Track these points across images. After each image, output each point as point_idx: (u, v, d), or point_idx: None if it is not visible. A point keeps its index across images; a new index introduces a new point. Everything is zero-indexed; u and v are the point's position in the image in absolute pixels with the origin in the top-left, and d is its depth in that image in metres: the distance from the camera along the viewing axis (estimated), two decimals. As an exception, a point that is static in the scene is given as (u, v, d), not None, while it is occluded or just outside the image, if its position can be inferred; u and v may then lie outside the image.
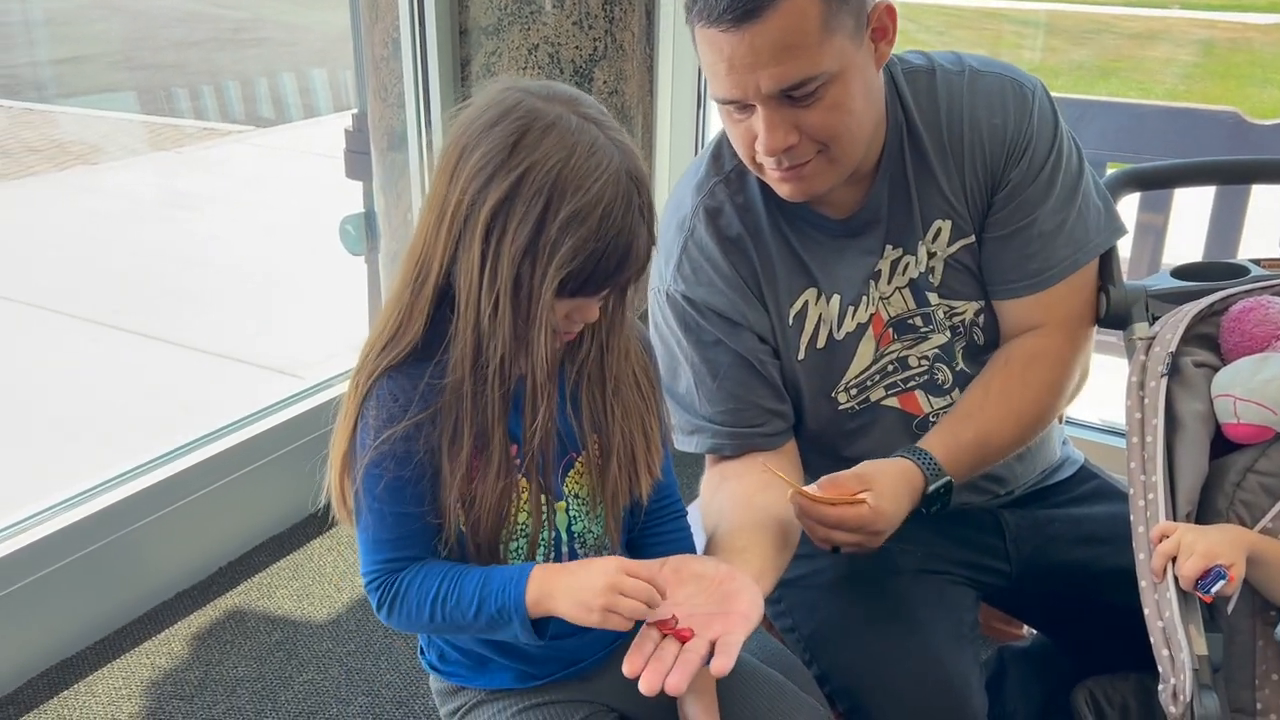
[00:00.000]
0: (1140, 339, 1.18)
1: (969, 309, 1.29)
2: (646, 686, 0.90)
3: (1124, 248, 1.33)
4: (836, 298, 1.26)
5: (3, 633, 1.89)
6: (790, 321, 1.26)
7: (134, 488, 2.12)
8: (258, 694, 1.92)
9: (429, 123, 2.57)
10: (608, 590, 0.92)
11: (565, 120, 0.93)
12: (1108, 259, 1.27)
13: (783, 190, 1.19)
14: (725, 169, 1.27)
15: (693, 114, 2.64)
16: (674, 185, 1.34)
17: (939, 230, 1.25)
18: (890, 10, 1.13)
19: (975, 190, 1.24)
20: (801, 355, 1.27)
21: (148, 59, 9.55)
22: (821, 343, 1.27)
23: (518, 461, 1.02)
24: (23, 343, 3.80)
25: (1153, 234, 2.86)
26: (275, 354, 3.74)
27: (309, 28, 11.12)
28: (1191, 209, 2.97)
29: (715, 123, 2.85)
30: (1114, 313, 1.25)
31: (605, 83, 2.52)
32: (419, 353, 1.00)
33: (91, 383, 3.52)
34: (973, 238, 1.25)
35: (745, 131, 1.14)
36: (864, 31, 1.11)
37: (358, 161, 2.91)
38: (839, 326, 1.27)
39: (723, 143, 1.27)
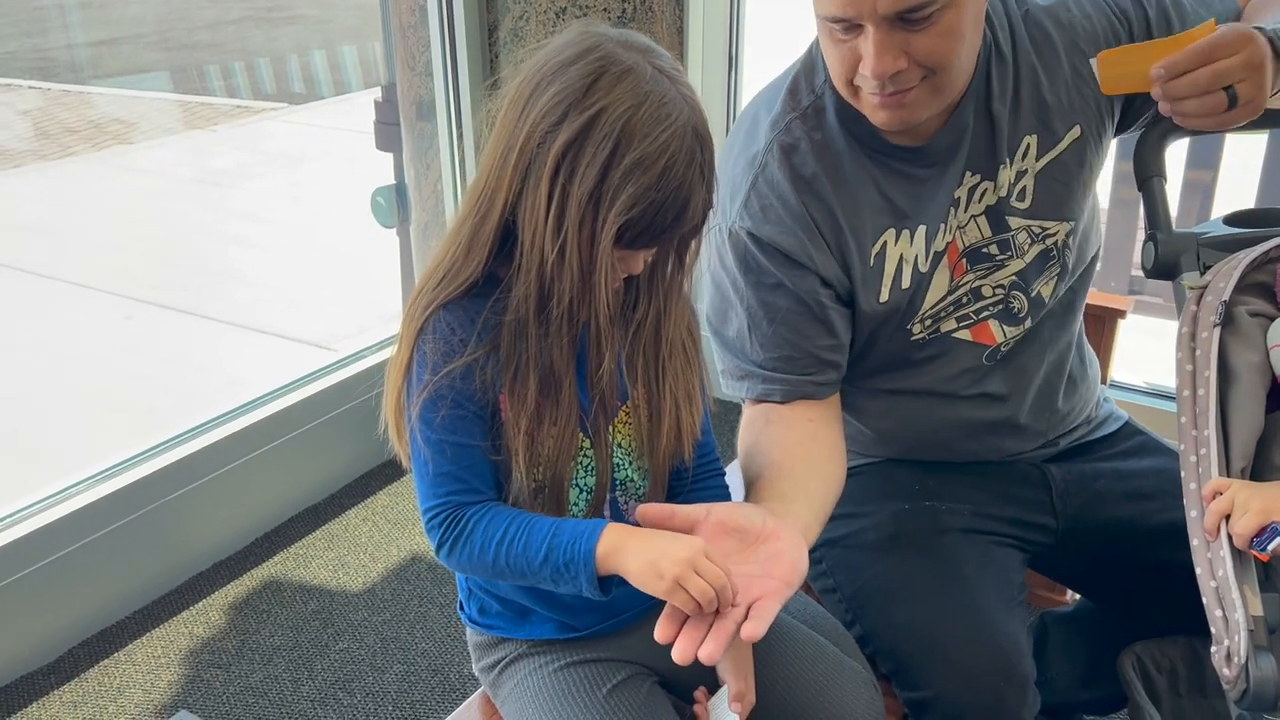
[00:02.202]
0: (1191, 288, 1.13)
1: (1061, 229, 1.24)
2: (680, 655, 0.88)
3: (1171, 203, 1.28)
4: (921, 229, 1.20)
5: (42, 603, 1.92)
6: (871, 264, 1.20)
7: (170, 458, 2.13)
8: (294, 662, 1.93)
9: (457, 90, 2.54)
10: (686, 564, 0.88)
11: (641, 69, 0.92)
12: (1154, 203, 1.23)
13: (879, 117, 1.13)
14: (802, 104, 1.20)
15: (724, 78, 2.59)
16: (739, 118, 1.27)
17: (1028, 147, 1.21)
18: None
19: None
20: (885, 297, 1.21)
21: (182, 39, 9.61)
22: (907, 282, 1.21)
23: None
24: (66, 319, 3.84)
25: (1200, 190, 2.77)
26: (309, 328, 3.75)
27: (342, 5, 11.13)
28: (1242, 165, 2.88)
29: (747, 87, 2.80)
30: (1163, 262, 1.20)
31: (635, 45, 2.48)
32: (478, 288, 0.99)
33: (131, 357, 3.55)
34: (1078, 131, 1.21)
35: (849, 53, 1.08)
36: None
37: (387, 133, 2.89)
38: (926, 259, 1.22)
39: (799, 76, 1.21)
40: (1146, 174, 1.24)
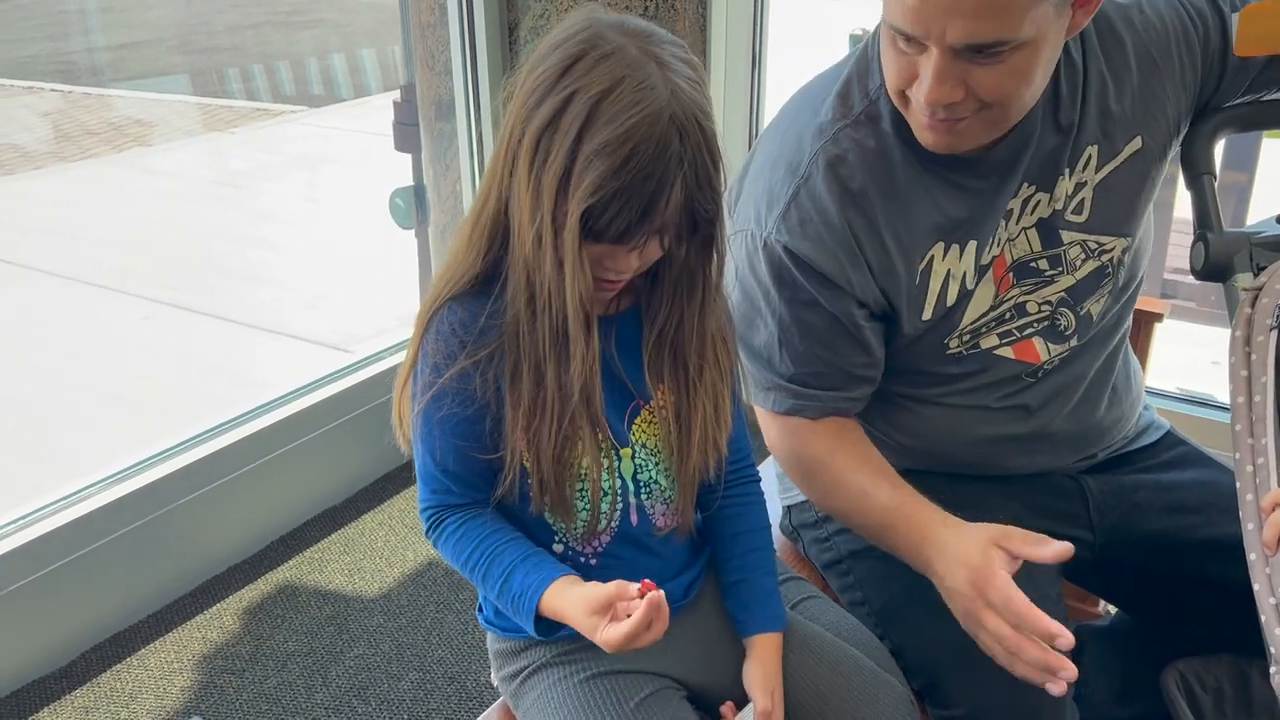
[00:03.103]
0: (1245, 290, 1.08)
1: (1117, 246, 1.19)
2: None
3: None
4: (972, 244, 1.15)
5: (55, 607, 1.89)
6: (916, 280, 1.15)
7: (185, 461, 2.11)
8: (308, 668, 1.90)
9: (477, 89, 2.51)
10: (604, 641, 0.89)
11: (624, 52, 0.88)
12: (1204, 201, 1.18)
13: (924, 137, 1.08)
14: (854, 110, 1.13)
15: (747, 78, 2.55)
16: (778, 120, 1.20)
17: (1089, 157, 1.16)
18: None
19: (1184, 76, 1.16)
20: (928, 315, 1.16)
21: (203, 43, 9.65)
22: (952, 298, 1.16)
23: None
24: (84, 320, 3.84)
25: (1236, 193, 2.71)
26: (326, 330, 3.73)
27: (361, 9, 11.15)
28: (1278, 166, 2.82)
29: (772, 88, 2.75)
30: (1214, 262, 1.15)
31: (657, 44, 2.44)
32: (480, 285, 0.97)
33: (149, 358, 3.54)
34: (1139, 142, 1.16)
35: (907, 66, 1.02)
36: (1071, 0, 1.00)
37: (406, 134, 2.87)
38: (974, 275, 1.16)
39: (852, 80, 1.15)
40: (1197, 171, 1.19)
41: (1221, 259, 1.14)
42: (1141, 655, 1.34)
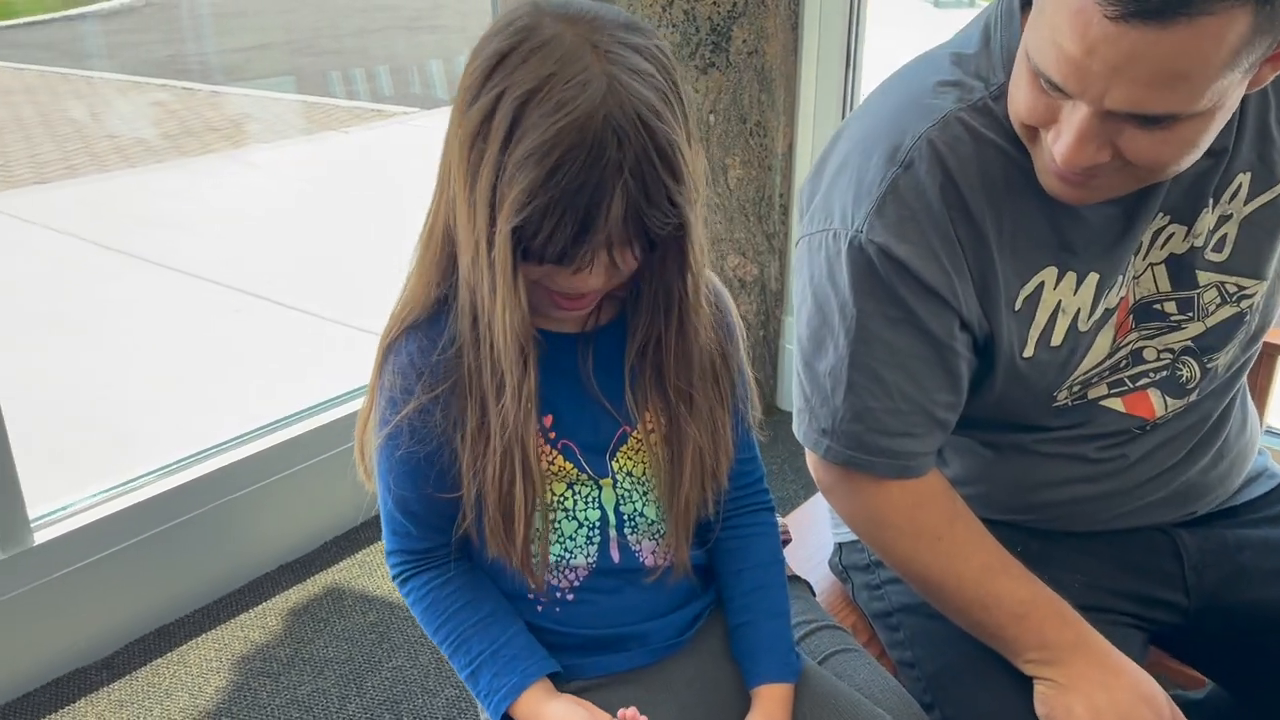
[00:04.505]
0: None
1: (1259, 290, 1.01)
2: None
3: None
4: (1093, 278, 0.96)
5: (104, 594, 1.87)
6: (1018, 306, 0.96)
7: (244, 453, 2.08)
8: (344, 677, 1.84)
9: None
10: None
11: (558, 43, 0.75)
12: None
13: (1049, 184, 0.90)
14: (973, 95, 0.94)
15: (841, 77, 2.41)
16: (869, 103, 1.02)
17: (1239, 186, 0.98)
18: None
19: None
20: (1029, 352, 0.98)
21: (327, 45, 9.93)
22: (1058, 338, 0.97)
23: (553, 434, 0.89)
24: (177, 309, 3.91)
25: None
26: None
27: (479, 14, 11.33)
28: None
29: (867, 88, 2.61)
30: None
31: (745, 42, 2.33)
32: (439, 310, 0.87)
33: (233, 349, 3.57)
34: None
35: (1044, 109, 0.84)
36: (1263, 58, 0.80)
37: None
38: (1089, 315, 0.98)
39: (966, 60, 0.96)
40: None
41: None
42: (1241, 738, 1.17)
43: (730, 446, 0.93)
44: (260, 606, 2.02)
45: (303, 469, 2.16)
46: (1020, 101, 0.87)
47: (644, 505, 0.93)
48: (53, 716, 1.74)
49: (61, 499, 1.88)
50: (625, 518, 0.92)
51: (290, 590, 2.07)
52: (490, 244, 0.77)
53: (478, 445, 0.85)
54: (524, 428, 0.83)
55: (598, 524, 0.91)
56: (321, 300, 3.92)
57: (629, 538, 0.93)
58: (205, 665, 1.87)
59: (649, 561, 0.93)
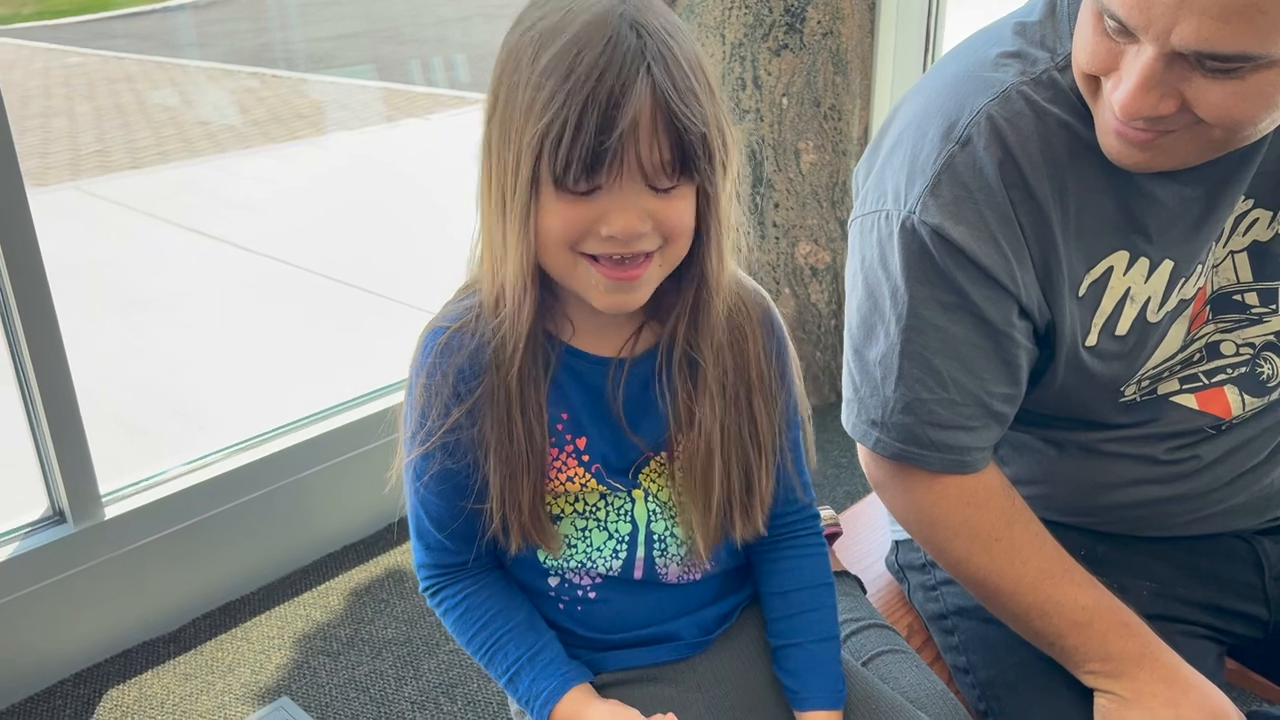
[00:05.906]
0: None
1: None
2: None
3: None
4: (1167, 265, 0.90)
5: (176, 569, 1.91)
6: (1083, 293, 0.91)
7: (313, 432, 2.10)
8: (402, 659, 1.85)
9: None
10: None
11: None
12: None
13: (1109, 145, 0.84)
14: (1038, 66, 0.88)
15: (919, 60, 2.33)
16: (927, 78, 0.97)
17: None
18: None
19: None
20: (1093, 340, 0.93)
21: (412, 34, 10.06)
22: (1124, 327, 0.92)
23: (586, 457, 0.86)
24: (254, 292, 3.99)
25: None
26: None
27: (563, 1, 11.35)
28: None
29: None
30: None
31: (819, 23, 2.27)
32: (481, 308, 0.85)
33: (306, 332, 3.63)
34: None
35: (1107, 55, 0.79)
36: None
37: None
38: (1160, 305, 0.92)
39: (1031, 29, 0.91)
40: None
41: None
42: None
43: (771, 468, 0.88)
44: (323, 585, 2.04)
45: (368, 450, 2.18)
46: (1082, 49, 0.82)
47: (671, 526, 0.89)
48: (121, 687, 1.78)
49: (135, 474, 1.92)
50: (656, 538, 0.89)
51: (353, 570, 2.09)
52: (516, 175, 0.74)
53: (501, 454, 0.83)
54: (528, 453, 0.82)
55: (627, 538, 0.88)
56: (398, 284, 3.96)
57: (656, 559, 0.90)
58: (267, 643, 1.89)
59: (672, 579, 0.91)
